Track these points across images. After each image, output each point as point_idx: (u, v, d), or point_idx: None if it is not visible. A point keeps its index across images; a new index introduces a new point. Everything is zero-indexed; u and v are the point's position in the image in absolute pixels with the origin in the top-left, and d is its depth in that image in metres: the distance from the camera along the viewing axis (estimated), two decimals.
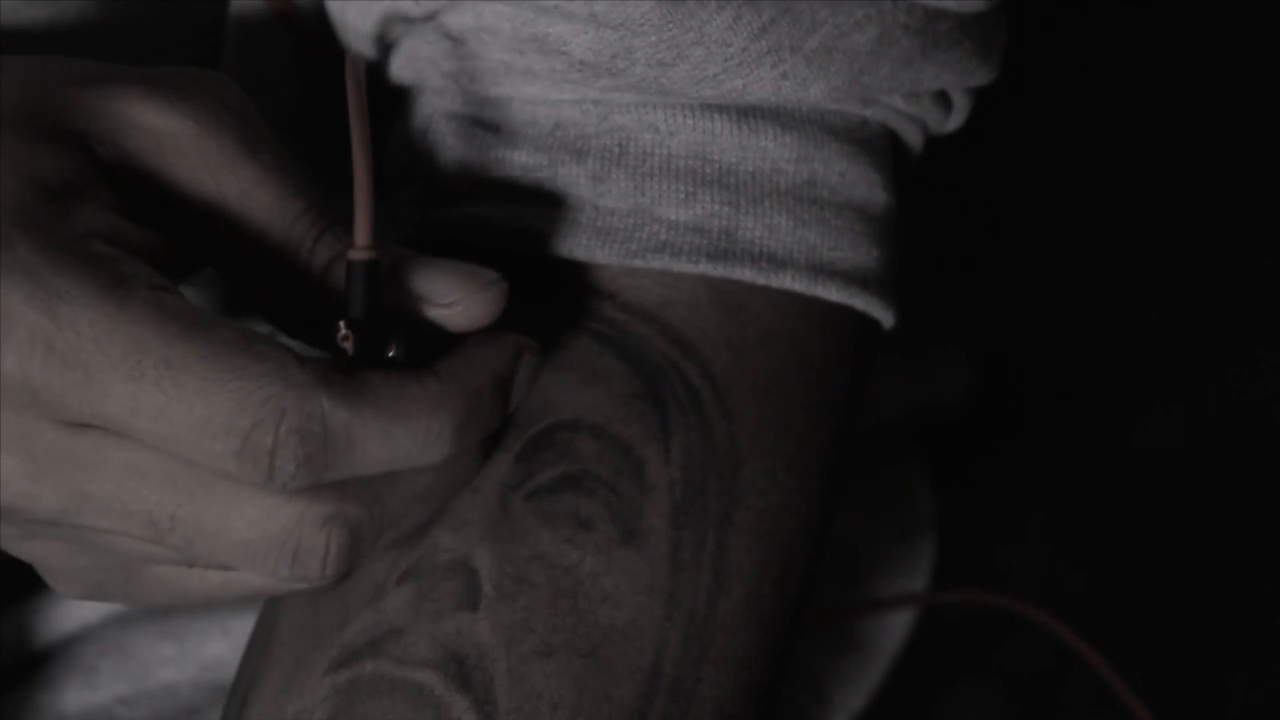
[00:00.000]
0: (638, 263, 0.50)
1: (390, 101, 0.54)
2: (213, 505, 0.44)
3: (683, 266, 0.50)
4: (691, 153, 0.51)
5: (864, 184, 0.52)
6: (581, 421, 0.50)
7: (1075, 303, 1.05)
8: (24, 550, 0.47)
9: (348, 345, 0.45)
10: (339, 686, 0.48)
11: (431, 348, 0.46)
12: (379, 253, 0.45)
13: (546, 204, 0.51)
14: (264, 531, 0.44)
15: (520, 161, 0.51)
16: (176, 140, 0.46)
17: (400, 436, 0.44)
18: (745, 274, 0.50)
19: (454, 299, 0.47)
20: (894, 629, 0.85)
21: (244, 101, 0.47)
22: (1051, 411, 1.03)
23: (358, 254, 0.45)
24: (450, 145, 0.52)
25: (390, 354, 0.45)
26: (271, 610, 0.52)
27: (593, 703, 0.48)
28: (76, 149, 0.45)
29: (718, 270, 0.50)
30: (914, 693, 0.91)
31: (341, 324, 0.44)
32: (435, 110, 0.52)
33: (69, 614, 0.62)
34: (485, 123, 0.51)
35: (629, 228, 0.50)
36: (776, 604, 0.51)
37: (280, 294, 0.47)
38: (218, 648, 0.61)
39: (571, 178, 0.51)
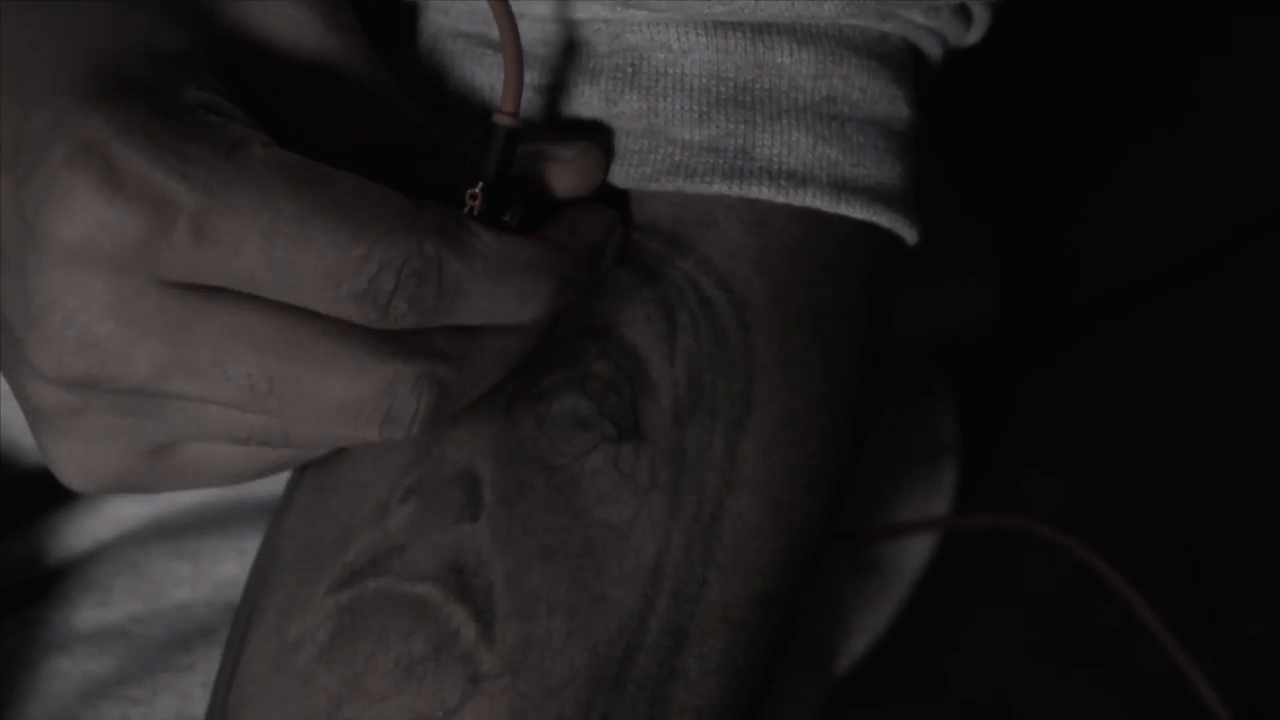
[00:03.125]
0: (652, 186, 0.50)
1: (392, 19, 0.54)
2: (312, 367, 0.45)
3: (697, 187, 0.50)
4: (705, 71, 0.51)
5: (885, 99, 0.52)
6: (586, 326, 0.50)
7: (1097, 226, 1.05)
8: (52, 438, 0.47)
9: (475, 204, 0.47)
10: (341, 606, 0.49)
11: (536, 219, 0.48)
12: (520, 121, 0.47)
13: (558, 127, 0.51)
14: (360, 392, 0.45)
15: (531, 83, 0.51)
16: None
17: (504, 292, 0.46)
18: (764, 192, 0.50)
19: (571, 155, 0.48)
20: (915, 553, 0.85)
21: None
22: (1073, 335, 1.03)
23: (502, 119, 0.47)
24: (458, 65, 0.52)
25: (504, 219, 0.47)
26: (275, 532, 0.52)
27: (591, 603, 0.48)
28: (190, 21, 0.46)
29: (735, 189, 0.50)
30: (935, 616, 0.91)
31: (479, 185, 0.47)
32: (441, 29, 0.52)
33: (82, 532, 0.62)
34: (494, 42, 0.51)
35: (643, 150, 0.50)
36: (796, 514, 0.51)
37: (388, 161, 0.48)
38: (232, 567, 0.61)
39: (584, 99, 0.51)
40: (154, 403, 0.46)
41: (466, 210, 0.47)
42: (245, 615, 0.51)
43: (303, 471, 0.52)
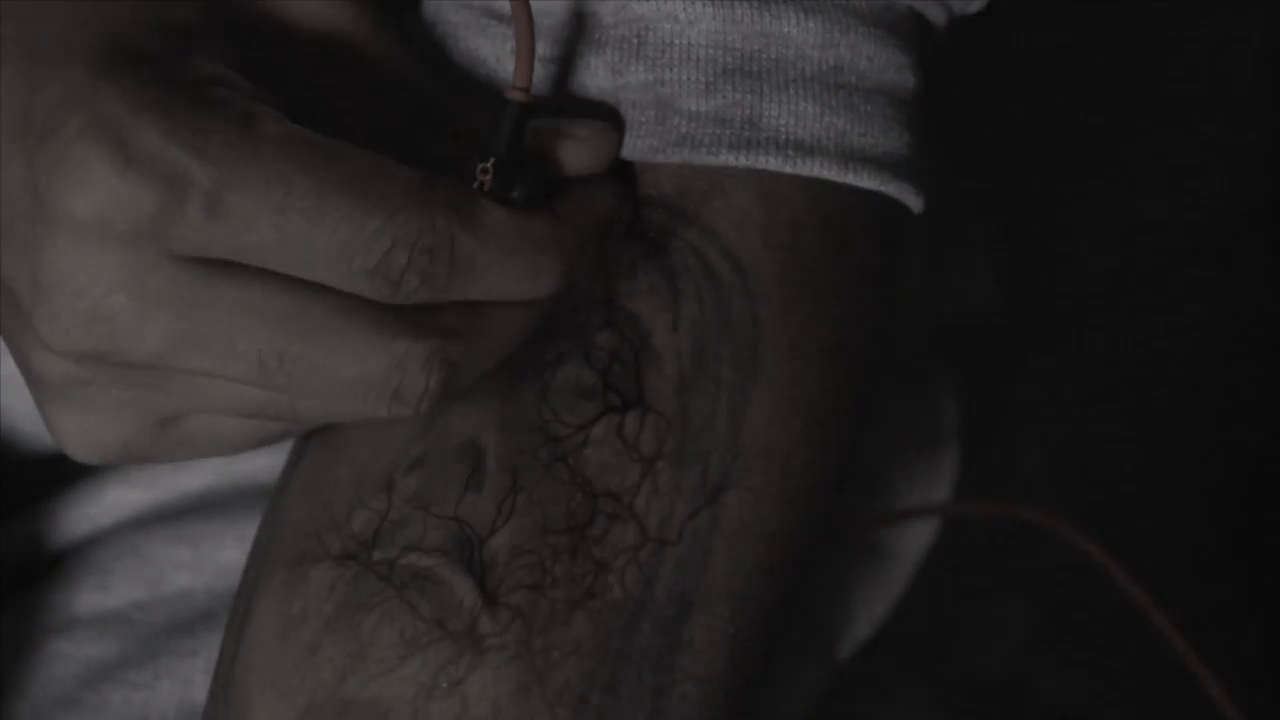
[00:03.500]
0: (659, 158, 0.50)
1: None
2: (322, 344, 0.45)
3: (703, 159, 0.50)
4: (712, 42, 0.50)
5: (892, 67, 0.52)
6: (590, 297, 0.50)
7: (1101, 215, 1.05)
8: (59, 408, 0.47)
9: (486, 180, 0.47)
10: (345, 578, 0.49)
11: (543, 193, 0.49)
12: (532, 97, 0.48)
13: (565, 99, 0.51)
14: (369, 369, 0.45)
15: (537, 53, 0.51)
16: None
17: (515, 268, 0.46)
18: (771, 162, 0.50)
19: (586, 133, 0.49)
20: (917, 538, 0.85)
21: None
22: (1076, 323, 1.02)
23: (515, 94, 0.47)
24: (462, 38, 0.52)
25: (514, 194, 0.47)
26: (278, 505, 0.52)
27: (595, 573, 0.49)
28: None
29: (741, 160, 0.50)
30: (936, 602, 0.91)
31: (490, 161, 0.47)
32: (444, 1, 0.52)
33: (82, 517, 0.62)
34: (499, 13, 0.51)
35: (650, 121, 0.50)
36: (801, 482, 0.51)
37: (399, 135, 0.49)
38: (233, 553, 0.61)
39: (590, 70, 0.50)
40: (162, 376, 0.46)
41: (477, 185, 0.47)
42: (250, 587, 0.51)
43: (305, 443, 0.52)
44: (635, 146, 0.50)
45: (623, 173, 0.51)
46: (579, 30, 0.51)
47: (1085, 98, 1.06)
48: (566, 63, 0.51)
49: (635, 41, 0.51)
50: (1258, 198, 1.00)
